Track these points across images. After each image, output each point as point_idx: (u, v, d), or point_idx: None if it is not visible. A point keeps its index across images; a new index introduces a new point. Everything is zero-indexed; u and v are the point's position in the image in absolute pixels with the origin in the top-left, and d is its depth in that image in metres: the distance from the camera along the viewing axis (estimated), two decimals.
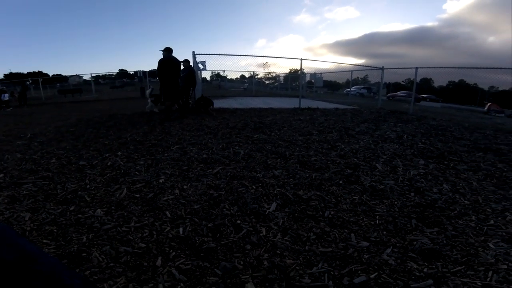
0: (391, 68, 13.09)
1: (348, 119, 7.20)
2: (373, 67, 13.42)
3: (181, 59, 7.21)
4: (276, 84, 33.04)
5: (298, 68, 11.45)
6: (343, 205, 2.34)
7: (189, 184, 2.73)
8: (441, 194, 2.59)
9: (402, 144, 4.48)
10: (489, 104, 19.86)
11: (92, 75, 22.38)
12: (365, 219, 2.12)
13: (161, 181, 2.81)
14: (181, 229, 1.94)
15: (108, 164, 3.34)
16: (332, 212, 2.20)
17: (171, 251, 1.70)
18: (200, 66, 9.78)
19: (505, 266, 1.58)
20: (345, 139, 4.79)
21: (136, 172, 3.06)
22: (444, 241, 1.84)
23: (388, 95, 26.85)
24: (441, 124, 6.67)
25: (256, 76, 28.00)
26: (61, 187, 2.66)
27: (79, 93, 23.75)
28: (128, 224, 2.00)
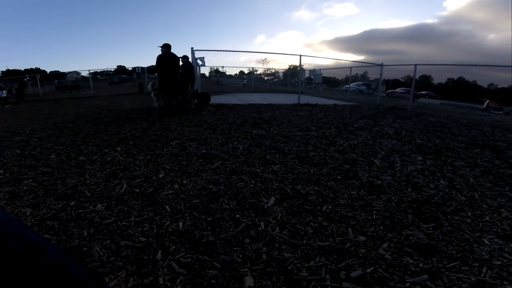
0: (390, 65, 13.08)
1: (347, 115, 7.22)
2: (372, 63, 13.41)
3: (180, 55, 7.19)
4: (275, 80, 32.98)
5: (297, 64, 11.45)
6: (340, 200, 2.36)
7: (188, 179, 2.75)
8: (437, 190, 2.62)
9: (400, 140, 4.50)
10: (488, 101, 19.89)
11: (90, 71, 22.36)
12: (362, 214, 2.15)
13: (160, 176, 2.82)
14: (180, 223, 1.96)
15: (108, 159, 3.35)
16: (330, 207, 2.23)
17: (171, 245, 1.73)
18: (199, 62, 9.76)
19: (499, 262, 1.61)
20: (343, 134, 4.81)
21: (136, 167, 3.07)
22: (440, 237, 1.87)
23: (387, 91, 26.85)
24: (439, 121, 6.69)
25: (255, 72, 27.94)
26: (61, 183, 2.67)
27: (77, 90, 23.67)
28: (128, 219, 2.02)
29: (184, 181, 2.70)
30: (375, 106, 10.04)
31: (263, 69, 34.93)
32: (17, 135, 4.90)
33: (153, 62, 6.69)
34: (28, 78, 25.04)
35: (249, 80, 28.98)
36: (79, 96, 18.24)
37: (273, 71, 33.40)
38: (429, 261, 1.63)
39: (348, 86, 17.61)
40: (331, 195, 2.45)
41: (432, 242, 1.80)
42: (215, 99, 10.85)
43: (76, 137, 4.60)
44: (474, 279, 1.48)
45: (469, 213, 2.20)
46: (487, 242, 1.82)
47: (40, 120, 6.65)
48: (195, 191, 2.48)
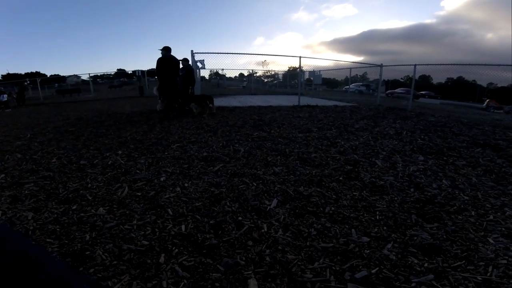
0: (389, 65, 13.09)
1: (347, 116, 7.22)
2: (371, 64, 13.43)
3: (180, 58, 7.20)
4: (275, 82, 33.04)
5: (297, 65, 11.46)
6: (343, 201, 2.35)
7: (190, 182, 2.74)
8: (440, 189, 2.61)
9: (401, 140, 4.50)
10: (487, 100, 19.88)
11: (90, 75, 22.37)
12: (365, 214, 2.14)
13: (162, 179, 2.82)
14: (183, 226, 1.95)
15: (109, 163, 3.35)
16: (333, 208, 2.22)
17: (173, 248, 1.72)
18: (199, 64, 9.78)
19: (505, 261, 1.60)
20: (344, 135, 4.81)
21: (137, 171, 3.07)
22: (444, 236, 1.86)
23: (387, 92, 26.86)
24: (440, 120, 6.69)
25: (255, 74, 27.99)
26: (63, 187, 2.67)
27: (77, 93, 23.71)
28: (131, 222, 2.01)
29: (186, 184, 2.69)
30: (375, 106, 10.04)
31: (262, 71, 35.01)
32: (18, 139, 4.90)
33: (153, 65, 6.72)
34: (28, 82, 25.11)
35: (249, 82, 29.02)
36: (79, 99, 18.27)
37: (272, 73, 33.45)
38: (434, 261, 1.62)
39: (348, 87, 17.62)
40: (333, 196, 2.44)
41: (436, 242, 1.79)
42: (215, 102, 10.85)
43: (77, 141, 4.59)
44: (480, 279, 1.47)
45: (473, 213, 2.19)
46: (492, 241, 1.81)
47: (41, 124, 6.65)
48: (197, 194, 2.48)
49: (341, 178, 2.84)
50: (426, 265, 1.58)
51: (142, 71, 21.83)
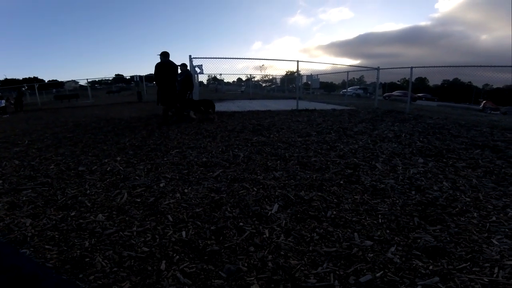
0: (386, 68, 13.17)
1: (346, 120, 7.23)
2: (368, 67, 13.50)
3: (178, 63, 7.20)
4: (273, 86, 33.11)
5: (295, 70, 11.51)
6: (345, 205, 2.34)
7: (190, 188, 2.72)
8: (441, 191, 2.60)
9: (401, 143, 4.50)
10: (484, 101, 20.04)
11: (88, 80, 22.33)
12: (367, 218, 2.12)
13: (161, 185, 2.79)
14: (184, 233, 1.93)
15: (108, 169, 3.32)
16: (334, 212, 2.20)
17: (174, 254, 1.69)
18: (197, 70, 9.79)
19: (511, 262, 1.59)
20: (343, 139, 4.81)
21: (136, 177, 3.04)
22: (448, 238, 1.85)
23: (384, 95, 26.99)
24: (438, 123, 6.71)
25: (253, 79, 28.06)
26: (61, 193, 2.64)
27: (75, 99, 23.66)
28: (130, 229, 1.98)
29: (186, 190, 2.67)
30: (373, 109, 10.07)
31: (260, 75, 35.11)
32: (15, 145, 4.87)
33: (151, 70, 6.71)
34: (26, 87, 25.04)
35: (247, 87, 29.11)
36: (77, 105, 18.22)
37: (270, 77, 33.57)
38: (439, 263, 1.60)
39: (345, 90, 17.69)
40: (335, 200, 2.43)
41: (440, 244, 1.78)
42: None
43: (75, 147, 4.56)
44: (486, 280, 1.46)
45: (475, 214, 2.18)
46: (496, 242, 1.80)
47: (39, 130, 6.61)
48: (197, 200, 2.45)
49: (341, 182, 2.83)
50: (431, 267, 1.57)
51: (140, 76, 21.82)
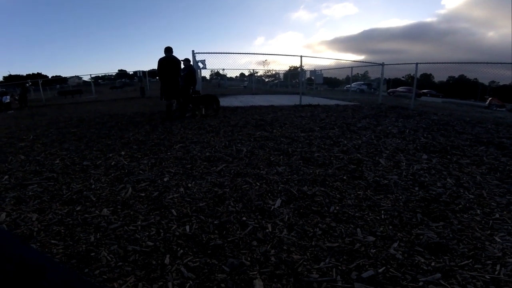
0: (391, 64, 13.06)
1: (349, 115, 7.20)
2: (373, 63, 13.40)
3: (181, 58, 7.20)
4: (276, 81, 33.00)
5: (298, 65, 11.44)
6: (348, 200, 2.34)
7: (193, 182, 2.73)
8: (445, 188, 2.59)
9: (404, 139, 4.48)
10: (490, 98, 19.82)
11: (92, 76, 22.40)
12: (370, 214, 2.13)
13: (165, 179, 2.81)
14: (187, 227, 1.95)
15: (112, 164, 3.35)
16: (337, 208, 2.21)
17: (178, 249, 1.71)
18: (200, 65, 9.78)
19: None
20: (347, 135, 4.79)
21: (140, 171, 3.06)
22: (451, 235, 1.85)
23: (388, 90, 26.79)
24: (442, 119, 6.66)
25: (256, 74, 27.98)
26: (66, 188, 2.67)
27: (79, 94, 23.78)
28: (135, 223, 2.00)
29: (189, 184, 2.68)
30: (377, 105, 10.01)
31: (263, 70, 34.98)
32: (21, 141, 4.91)
33: (154, 66, 6.71)
34: (30, 83, 25.16)
35: (250, 82, 29.00)
36: (81, 101, 18.31)
37: (273, 72, 33.42)
38: (441, 260, 1.60)
39: (349, 86, 17.59)
40: (338, 195, 2.43)
41: (442, 240, 1.78)
42: None
43: (80, 142, 4.60)
44: (488, 277, 1.46)
45: (478, 211, 2.17)
46: (498, 239, 1.80)
47: (43, 126, 6.66)
48: (200, 194, 2.47)
49: (345, 177, 2.83)
50: (433, 264, 1.57)
51: (143, 72, 21.83)
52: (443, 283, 1.42)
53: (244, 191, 2.53)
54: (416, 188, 2.58)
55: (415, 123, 5.96)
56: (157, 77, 6.90)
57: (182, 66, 7.44)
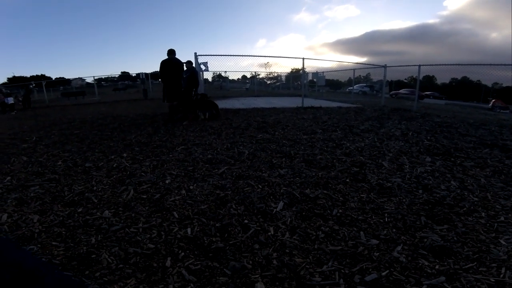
0: (394, 66, 13.03)
1: (352, 117, 7.18)
2: (375, 65, 13.38)
3: (183, 60, 7.20)
4: (278, 84, 33.01)
5: (300, 67, 11.46)
6: (351, 203, 2.32)
7: (195, 185, 2.72)
8: (449, 191, 2.57)
9: (408, 141, 4.45)
10: (493, 100, 19.66)
11: (95, 77, 22.52)
12: (373, 217, 2.11)
13: (167, 181, 2.80)
14: (189, 230, 1.93)
15: (114, 165, 3.34)
16: (340, 211, 2.19)
17: (180, 251, 1.70)
18: (202, 67, 9.80)
19: None
20: (349, 137, 4.77)
21: (142, 173, 3.06)
22: (455, 238, 1.83)
23: (391, 92, 26.72)
24: (445, 121, 6.63)
25: (257, 76, 28.01)
26: (68, 189, 2.66)
27: (82, 96, 23.89)
28: (136, 225, 2.00)
29: (191, 187, 2.68)
30: (379, 107, 9.99)
31: (265, 73, 35.00)
32: (24, 142, 4.93)
33: (157, 68, 6.72)
34: (34, 84, 25.30)
35: (251, 84, 29.04)
36: (84, 102, 18.40)
37: (275, 74, 33.44)
38: (445, 263, 1.59)
39: (351, 88, 17.55)
40: (340, 198, 2.41)
41: (447, 243, 1.76)
42: (218, 104, 10.85)
43: (82, 143, 4.61)
44: (493, 280, 1.44)
45: (483, 214, 2.15)
46: (503, 242, 1.78)
47: (46, 127, 6.69)
48: (202, 197, 2.46)
49: (347, 180, 2.81)
50: (437, 267, 1.55)
51: (146, 74, 21.91)
52: (447, 286, 1.40)
53: (246, 193, 2.51)
54: (420, 191, 2.56)
55: (418, 125, 5.93)
56: (160, 79, 6.91)
57: (185, 68, 7.45)
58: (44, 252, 1.69)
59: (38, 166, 3.43)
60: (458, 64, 10.23)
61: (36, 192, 2.61)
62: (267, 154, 3.76)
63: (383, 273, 1.49)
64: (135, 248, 1.73)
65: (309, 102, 11.25)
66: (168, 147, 4.17)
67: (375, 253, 1.67)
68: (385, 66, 11.75)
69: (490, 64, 9.41)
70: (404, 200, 2.38)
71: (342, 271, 1.52)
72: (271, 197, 2.44)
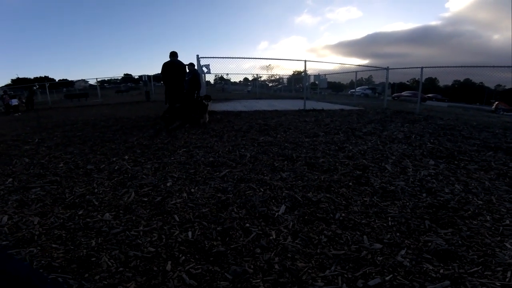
0: (396, 68, 12.99)
1: (354, 120, 7.15)
2: (378, 67, 13.35)
3: (186, 62, 7.21)
4: (279, 86, 33.01)
5: (302, 69, 11.44)
6: (353, 207, 2.30)
7: (196, 188, 2.71)
8: (453, 194, 2.54)
9: (411, 144, 4.42)
10: (496, 102, 19.58)
11: (98, 79, 22.62)
12: (377, 220, 2.08)
13: (168, 184, 2.79)
14: (190, 233, 1.92)
15: (115, 168, 3.34)
16: (343, 214, 2.17)
17: (180, 255, 1.68)
18: (205, 69, 9.81)
19: None
20: (352, 140, 4.75)
21: (144, 176, 3.05)
22: (460, 242, 1.80)
23: (393, 95, 26.68)
24: (448, 124, 6.59)
25: (259, 79, 28.03)
26: (69, 191, 2.65)
27: (85, 98, 23.98)
28: (137, 228, 1.98)
29: (192, 190, 2.66)
30: (382, 110, 9.95)
31: (267, 75, 35.02)
32: (26, 143, 4.94)
33: (159, 70, 6.71)
34: (37, 86, 25.44)
35: (253, 87, 29.08)
36: (87, 104, 18.46)
37: (277, 77, 33.46)
38: (450, 267, 1.56)
39: (353, 90, 17.52)
40: (343, 202, 2.39)
41: (451, 247, 1.73)
42: (220, 106, 10.87)
43: (84, 145, 4.61)
44: (498, 284, 1.42)
45: (488, 217, 2.12)
46: (509, 246, 1.75)
47: (49, 129, 6.70)
48: (203, 200, 2.44)
49: (350, 184, 2.79)
50: (441, 271, 1.52)
51: (149, 76, 21.96)
52: None
53: (247, 197, 2.49)
54: (424, 194, 2.53)
55: (421, 128, 5.89)
56: (162, 82, 6.91)
57: (187, 70, 7.46)
58: (44, 254, 1.68)
59: (39, 167, 3.43)
60: (461, 66, 10.18)
61: (37, 194, 2.60)
62: (269, 157, 3.74)
63: (387, 278, 1.47)
64: (135, 251, 1.71)
65: (311, 104, 11.23)
66: (170, 150, 4.17)
67: (378, 257, 1.65)
68: (387, 69, 11.72)
69: (493, 66, 9.35)
70: (407, 203, 2.35)
71: (345, 275, 1.50)
72: (273, 200, 2.42)
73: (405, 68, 17.12)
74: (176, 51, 6.63)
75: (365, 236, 1.87)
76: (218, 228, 1.97)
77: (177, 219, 2.11)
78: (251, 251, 1.73)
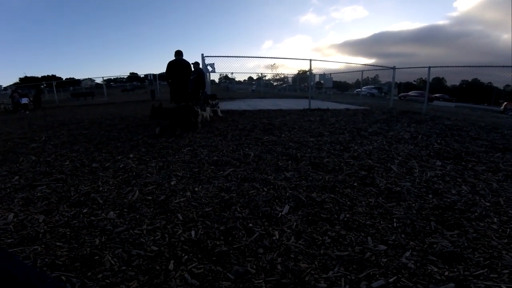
0: (403, 68, 12.87)
1: (360, 120, 7.10)
2: (384, 67, 13.24)
3: (191, 61, 7.23)
4: (284, 85, 32.93)
5: (307, 69, 11.41)
6: (358, 207, 2.28)
7: (200, 187, 2.71)
8: (460, 195, 2.50)
9: (417, 144, 4.37)
10: (505, 103, 19.28)
11: (104, 78, 22.80)
12: (382, 222, 2.06)
13: (172, 183, 2.80)
14: (193, 232, 1.91)
15: (120, 166, 3.35)
16: (348, 215, 2.15)
17: (183, 254, 1.68)
18: (209, 68, 9.82)
19: None
20: (357, 140, 4.71)
21: (148, 175, 3.06)
22: (465, 244, 1.77)
23: (399, 95, 26.47)
24: (456, 124, 6.50)
25: (264, 78, 27.99)
26: (74, 189, 2.67)
27: (91, 96, 24.19)
28: (140, 227, 1.99)
29: (196, 189, 2.66)
30: (388, 110, 9.86)
31: (272, 74, 34.96)
32: (33, 141, 4.99)
33: (164, 69, 6.73)
34: (45, 85, 25.71)
35: (258, 86, 29.02)
36: (93, 103, 18.61)
37: (282, 76, 33.36)
38: (455, 269, 1.54)
39: (359, 90, 17.41)
40: (348, 202, 2.37)
41: (457, 249, 1.70)
42: (224, 105, 10.86)
43: (90, 144, 4.64)
44: (504, 287, 1.39)
45: (495, 219, 2.08)
46: None
47: (56, 127, 6.77)
48: (207, 199, 2.44)
49: (355, 184, 2.76)
50: (446, 273, 1.50)
51: (154, 75, 22.07)
52: None
53: (251, 196, 2.49)
54: (430, 196, 2.50)
55: (428, 129, 5.83)
56: (166, 81, 6.93)
57: (193, 69, 7.47)
58: (48, 253, 1.69)
59: (46, 165, 3.46)
60: (469, 66, 10.04)
61: (43, 192, 2.62)
62: (273, 156, 3.73)
63: (391, 280, 1.45)
64: (138, 250, 1.71)
65: (316, 104, 11.19)
66: (174, 148, 4.18)
67: (382, 259, 1.63)
68: (394, 68, 11.61)
69: (502, 66, 9.20)
70: (413, 204, 2.32)
71: (348, 277, 1.48)
72: (277, 200, 2.41)
73: (413, 67, 16.95)
74: (181, 50, 6.65)
75: (369, 237, 1.85)
76: (221, 228, 1.97)
77: (181, 218, 2.11)
78: (253, 251, 1.72)
